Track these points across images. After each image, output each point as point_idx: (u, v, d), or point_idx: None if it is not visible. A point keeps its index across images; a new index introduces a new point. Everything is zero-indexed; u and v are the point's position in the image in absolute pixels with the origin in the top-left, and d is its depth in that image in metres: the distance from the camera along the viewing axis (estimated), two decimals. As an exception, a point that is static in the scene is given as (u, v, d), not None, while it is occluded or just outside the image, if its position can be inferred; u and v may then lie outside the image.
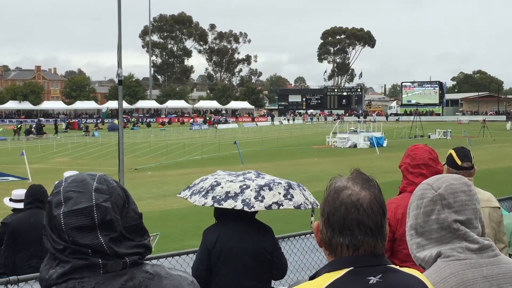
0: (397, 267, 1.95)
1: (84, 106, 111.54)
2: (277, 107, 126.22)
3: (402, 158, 4.34)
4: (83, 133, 66.59)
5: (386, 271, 1.90)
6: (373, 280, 1.87)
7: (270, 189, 4.89)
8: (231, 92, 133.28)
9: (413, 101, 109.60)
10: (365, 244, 1.91)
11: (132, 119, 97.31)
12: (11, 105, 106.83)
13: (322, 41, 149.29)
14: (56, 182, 1.87)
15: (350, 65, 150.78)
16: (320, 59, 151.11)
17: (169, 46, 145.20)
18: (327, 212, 1.94)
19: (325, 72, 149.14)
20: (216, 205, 4.80)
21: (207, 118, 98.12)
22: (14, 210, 8.20)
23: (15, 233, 6.86)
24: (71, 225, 1.75)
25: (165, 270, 1.90)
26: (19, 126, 65.06)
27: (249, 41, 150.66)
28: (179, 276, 1.90)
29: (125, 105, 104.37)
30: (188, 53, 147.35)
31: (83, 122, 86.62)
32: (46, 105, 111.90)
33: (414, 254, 2.33)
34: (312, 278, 1.97)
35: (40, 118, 74.38)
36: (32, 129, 63.44)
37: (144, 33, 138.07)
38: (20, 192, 8.08)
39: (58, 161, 36.39)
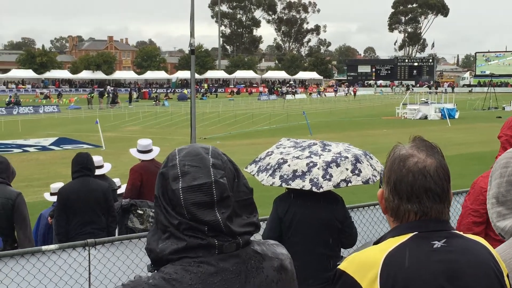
0: (461, 233, 1.96)
1: (154, 76, 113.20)
2: (346, 78, 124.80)
3: (501, 129, 4.20)
4: (154, 102, 67.70)
5: (450, 236, 1.92)
6: (437, 244, 1.89)
7: (338, 165, 4.87)
8: (300, 62, 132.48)
9: (488, 72, 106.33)
10: (432, 210, 1.93)
11: (205, 86, 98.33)
12: (85, 74, 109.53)
13: (393, 10, 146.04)
14: (169, 154, 1.84)
15: (422, 34, 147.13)
16: (391, 29, 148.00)
17: (238, 16, 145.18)
18: (393, 180, 1.95)
19: (396, 42, 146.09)
20: (284, 185, 4.83)
21: (276, 88, 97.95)
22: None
23: (66, 201, 6.97)
24: (190, 200, 1.73)
25: (269, 248, 1.89)
26: (92, 95, 66.69)
27: (318, 10, 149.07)
28: (282, 255, 1.90)
29: (196, 75, 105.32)
30: (256, 23, 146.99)
31: (153, 92, 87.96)
32: (118, 75, 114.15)
33: (495, 224, 2.31)
34: (376, 243, 1.99)
35: (109, 87, 75.83)
36: (110, 94, 64.80)
37: (214, 3, 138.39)
38: (98, 159, 8.33)
39: (130, 129, 37.19)
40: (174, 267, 1.72)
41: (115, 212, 7.36)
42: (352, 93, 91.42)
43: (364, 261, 1.90)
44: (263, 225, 5.64)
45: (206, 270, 1.72)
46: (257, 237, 5.48)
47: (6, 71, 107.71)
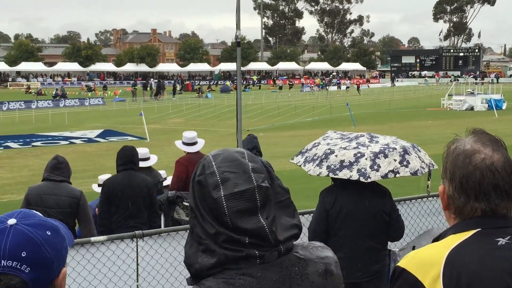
0: None
1: (197, 68, 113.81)
2: (389, 69, 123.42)
3: None
4: (197, 94, 68.11)
5: None
6: (501, 241, 1.82)
7: (385, 156, 4.81)
8: (342, 53, 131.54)
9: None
10: (499, 207, 1.87)
11: (255, 78, 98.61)
12: (129, 67, 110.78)
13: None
14: (204, 161, 1.76)
15: (468, 24, 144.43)
16: (436, 19, 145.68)
17: (281, 7, 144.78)
18: (459, 178, 1.89)
19: (441, 32, 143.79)
20: (331, 175, 4.79)
21: (319, 80, 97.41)
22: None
23: (111, 194, 7.05)
24: (234, 208, 1.66)
25: (314, 252, 1.81)
26: (136, 87, 67.42)
27: (361, 1, 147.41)
28: (327, 258, 1.82)
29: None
30: (299, 15, 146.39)
31: (196, 84, 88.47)
32: (162, 67, 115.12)
33: None
34: (436, 240, 1.94)
35: (152, 80, 76.57)
36: (153, 87, 65.51)
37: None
38: (144, 151, 8.41)
39: (174, 121, 37.50)
40: (216, 280, 1.66)
41: (157, 208, 7.43)
42: (356, 86, 75.53)
43: (425, 258, 1.85)
44: (308, 218, 5.61)
45: (248, 282, 1.66)
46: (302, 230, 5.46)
47: (52, 64, 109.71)
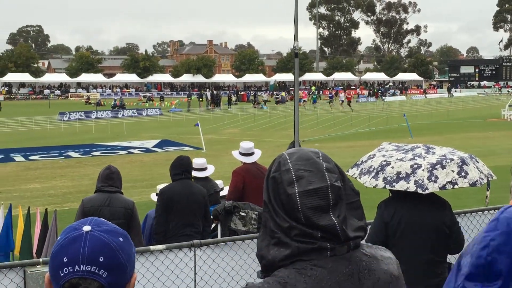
0: None
1: (252, 78, 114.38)
2: (447, 79, 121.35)
3: None
4: (252, 105, 68.38)
5: None
6: None
7: (443, 167, 4.73)
8: (399, 63, 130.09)
9: None
10: None
11: (313, 89, 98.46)
12: (185, 78, 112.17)
13: (498, 8, 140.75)
14: (280, 158, 1.84)
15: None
16: (496, 28, 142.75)
17: (336, 18, 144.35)
18: None
19: (501, 41, 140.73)
20: (387, 186, 4.74)
21: (375, 90, 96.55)
22: (194, 178, 8.66)
23: (169, 202, 7.13)
24: (307, 205, 1.71)
25: (377, 251, 1.87)
26: (191, 98, 68.18)
27: (419, 10, 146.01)
28: (389, 259, 1.87)
29: (293, 77, 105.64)
30: (355, 25, 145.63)
31: (252, 94, 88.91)
32: (217, 78, 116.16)
33: None
34: None
35: (207, 91, 77.31)
36: (208, 98, 66.17)
37: (312, 6, 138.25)
38: (201, 161, 8.50)
39: (229, 132, 37.74)
40: (288, 271, 1.71)
41: (210, 217, 7.53)
42: (345, 100, 61.84)
43: None
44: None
45: (319, 273, 1.71)
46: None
47: (111, 75, 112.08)
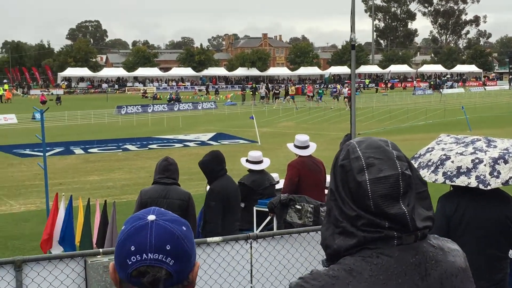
0: None
1: (307, 72, 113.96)
2: (508, 71, 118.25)
3: None
4: (306, 98, 68.15)
5: None
6: None
7: (506, 162, 4.60)
8: (457, 55, 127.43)
9: None
10: None
11: (367, 82, 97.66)
12: (240, 72, 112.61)
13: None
14: (348, 146, 1.82)
15: None
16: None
17: (393, 9, 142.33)
18: None
19: None
20: (448, 182, 4.65)
21: (432, 82, 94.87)
22: (250, 170, 8.70)
23: (223, 197, 7.18)
24: (378, 192, 1.70)
25: (444, 243, 1.85)
26: (245, 91, 68.38)
27: (478, 0, 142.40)
28: (456, 251, 1.85)
29: (348, 70, 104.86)
30: (412, 16, 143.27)
31: (306, 87, 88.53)
32: (272, 71, 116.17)
33: None
34: None
35: (261, 84, 77.38)
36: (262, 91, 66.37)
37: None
38: (257, 154, 8.52)
39: (284, 125, 37.71)
40: (354, 259, 1.71)
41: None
42: (343, 96, 56.53)
43: None
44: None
45: (386, 261, 1.70)
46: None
47: (167, 69, 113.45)
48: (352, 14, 6.43)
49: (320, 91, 63.00)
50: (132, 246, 1.54)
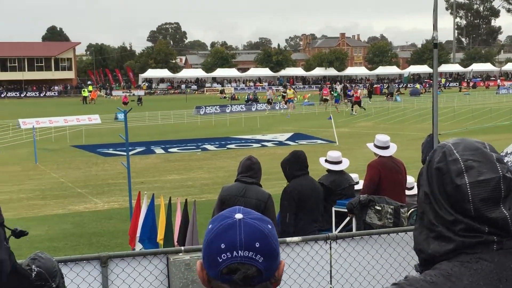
0: None
1: (385, 71, 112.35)
2: None
3: None
4: (385, 98, 67.22)
5: None
6: None
7: None
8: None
9: None
10: None
11: (443, 81, 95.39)
12: (318, 71, 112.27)
13: None
14: (444, 148, 1.78)
15: None
16: None
17: (475, 6, 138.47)
18: None
19: None
20: None
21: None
22: (328, 170, 8.66)
23: (299, 198, 7.15)
24: (479, 196, 1.66)
25: None
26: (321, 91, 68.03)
27: None
28: None
29: (429, 69, 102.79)
30: (495, 13, 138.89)
31: (385, 87, 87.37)
32: (350, 71, 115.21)
33: None
34: None
35: (337, 84, 76.75)
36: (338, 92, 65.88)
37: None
38: (336, 154, 8.48)
39: (362, 125, 37.33)
40: (451, 264, 1.67)
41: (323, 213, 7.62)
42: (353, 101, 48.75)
43: None
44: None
45: (485, 267, 1.65)
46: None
47: (245, 70, 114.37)
48: (435, 11, 6.30)
49: (336, 95, 55.40)
50: (222, 244, 1.57)
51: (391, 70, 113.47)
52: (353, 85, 73.08)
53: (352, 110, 46.88)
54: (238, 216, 1.61)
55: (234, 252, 1.56)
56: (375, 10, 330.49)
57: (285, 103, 53.30)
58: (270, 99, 56.13)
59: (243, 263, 1.56)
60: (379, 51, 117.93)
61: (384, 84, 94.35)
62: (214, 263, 1.59)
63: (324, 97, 54.31)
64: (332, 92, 56.21)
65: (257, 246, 1.57)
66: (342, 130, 32.05)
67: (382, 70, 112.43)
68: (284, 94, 57.21)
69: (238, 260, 1.56)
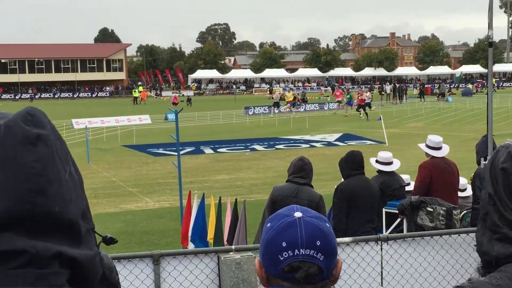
0: None
1: (436, 71, 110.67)
2: None
3: None
4: (436, 98, 66.24)
5: None
6: None
7: None
8: None
9: None
10: None
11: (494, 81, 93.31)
12: (367, 72, 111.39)
13: None
14: (506, 149, 1.76)
15: None
16: None
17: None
18: None
19: None
20: None
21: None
22: (379, 171, 8.59)
23: (350, 198, 7.11)
24: None
25: None
26: (372, 92, 67.48)
27: None
28: None
29: (481, 69, 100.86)
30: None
31: (436, 87, 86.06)
32: (400, 71, 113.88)
33: None
34: None
35: (387, 85, 75.94)
36: (388, 92, 65.20)
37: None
38: (387, 155, 8.41)
39: (412, 126, 36.88)
40: None
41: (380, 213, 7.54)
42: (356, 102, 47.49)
43: None
44: None
45: None
46: None
47: (293, 70, 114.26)
48: (490, 10, 6.19)
49: (348, 97, 51.57)
50: (284, 242, 1.58)
51: (443, 70, 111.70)
52: (362, 86, 71.25)
53: (360, 114, 43.96)
54: (298, 214, 1.62)
55: (296, 250, 1.57)
56: (426, 9, 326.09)
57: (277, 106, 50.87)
58: (278, 101, 52.52)
59: (305, 261, 1.57)
60: (430, 50, 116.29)
61: (435, 84, 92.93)
62: (275, 261, 1.60)
63: (337, 99, 52.76)
64: (344, 93, 54.24)
65: (318, 244, 1.58)
66: (392, 131, 31.72)
67: (433, 70, 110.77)
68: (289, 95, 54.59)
69: (299, 259, 1.57)
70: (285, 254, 1.58)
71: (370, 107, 43.92)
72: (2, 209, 1.04)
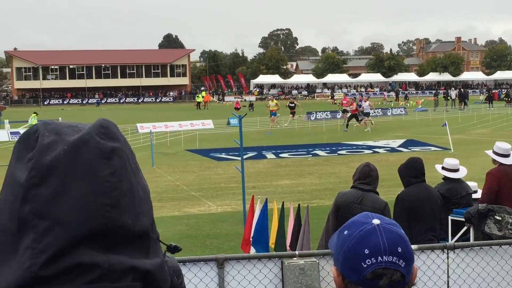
0: None
1: (504, 76, 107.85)
2: None
3: None
4: (505, 104, 64.54)
5: None
6: None
7: None
8: None
9: None
10: None
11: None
12: (431, 77, 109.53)
13: None
14: None
15: None
16: None
17: None
18: None
19: None
20: None
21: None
22: (445, 178, 8.44)
23: (411, 207, 6.98)
24: None
25: None
26: (438, 97, 66.27)
27: None
28: None
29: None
30: None
31: (503, 93, 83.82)
32: (465, 76, 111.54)
33: None
34: None
35: (452, 90, 74.37)
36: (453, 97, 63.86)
37: None
38: (454, 162, 8.26)
39: (478, 132, 36.05)
40: None
41: (443, 221, 7.37)
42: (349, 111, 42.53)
43: None
44: None
45: None
46: None
47: (356, 75, 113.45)
48: None
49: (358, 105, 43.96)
50: (366, 250, 1.59)
51: (511, 74, 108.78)
52: (363, 92, 67.77)
53: (351, 124, 40.13)
54: (376, 221, 1.64)
55: (379, 257, 1.58)
56: (494, 13, 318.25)
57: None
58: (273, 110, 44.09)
59: (388, 268, 1.58)
60: (497, 55, 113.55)
61: (503, 90, 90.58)
62: (357, 269, 1.61)
63: (344, 107, 47.01)
64: (349, 102, 45.55)
65: (399, 250, 1.59)
66: (457, 137, 31.06)
67: (500, 75, 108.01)
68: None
69: (383, 266, 1.58)
70: (368, 261, 1.59)
71: (357, 119, 40.11)
72: (78, 224, 1.05)
